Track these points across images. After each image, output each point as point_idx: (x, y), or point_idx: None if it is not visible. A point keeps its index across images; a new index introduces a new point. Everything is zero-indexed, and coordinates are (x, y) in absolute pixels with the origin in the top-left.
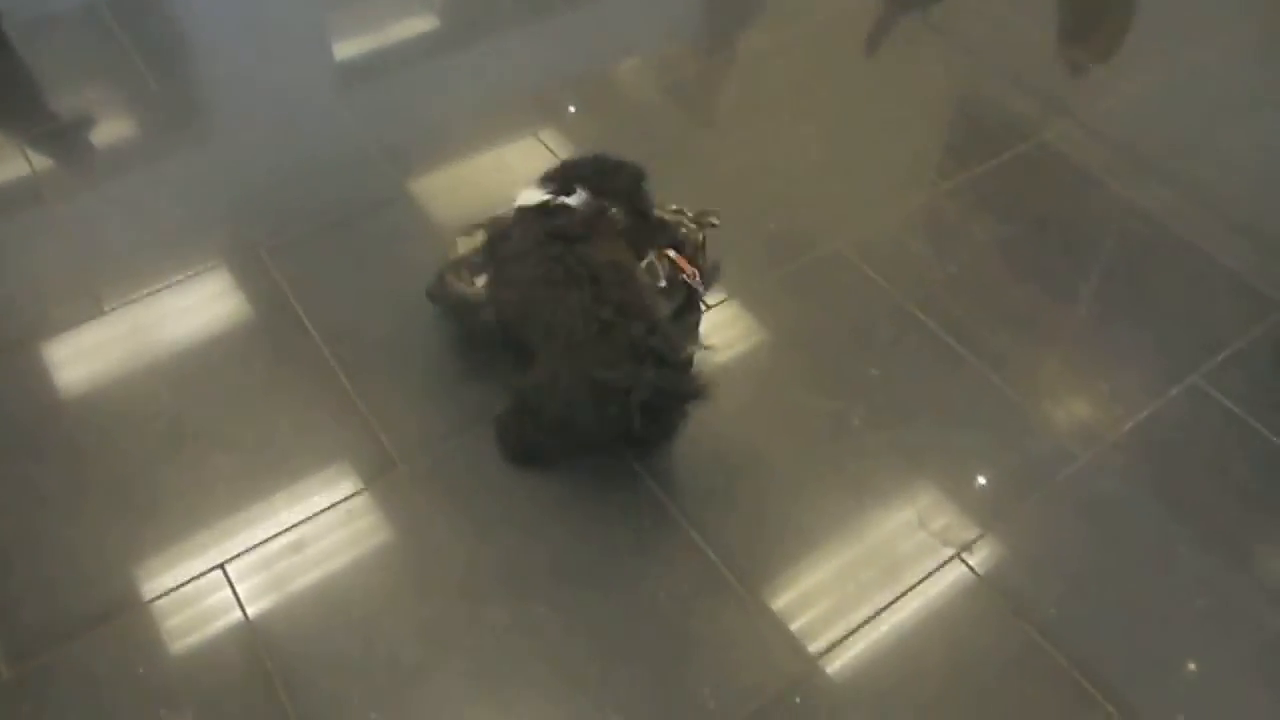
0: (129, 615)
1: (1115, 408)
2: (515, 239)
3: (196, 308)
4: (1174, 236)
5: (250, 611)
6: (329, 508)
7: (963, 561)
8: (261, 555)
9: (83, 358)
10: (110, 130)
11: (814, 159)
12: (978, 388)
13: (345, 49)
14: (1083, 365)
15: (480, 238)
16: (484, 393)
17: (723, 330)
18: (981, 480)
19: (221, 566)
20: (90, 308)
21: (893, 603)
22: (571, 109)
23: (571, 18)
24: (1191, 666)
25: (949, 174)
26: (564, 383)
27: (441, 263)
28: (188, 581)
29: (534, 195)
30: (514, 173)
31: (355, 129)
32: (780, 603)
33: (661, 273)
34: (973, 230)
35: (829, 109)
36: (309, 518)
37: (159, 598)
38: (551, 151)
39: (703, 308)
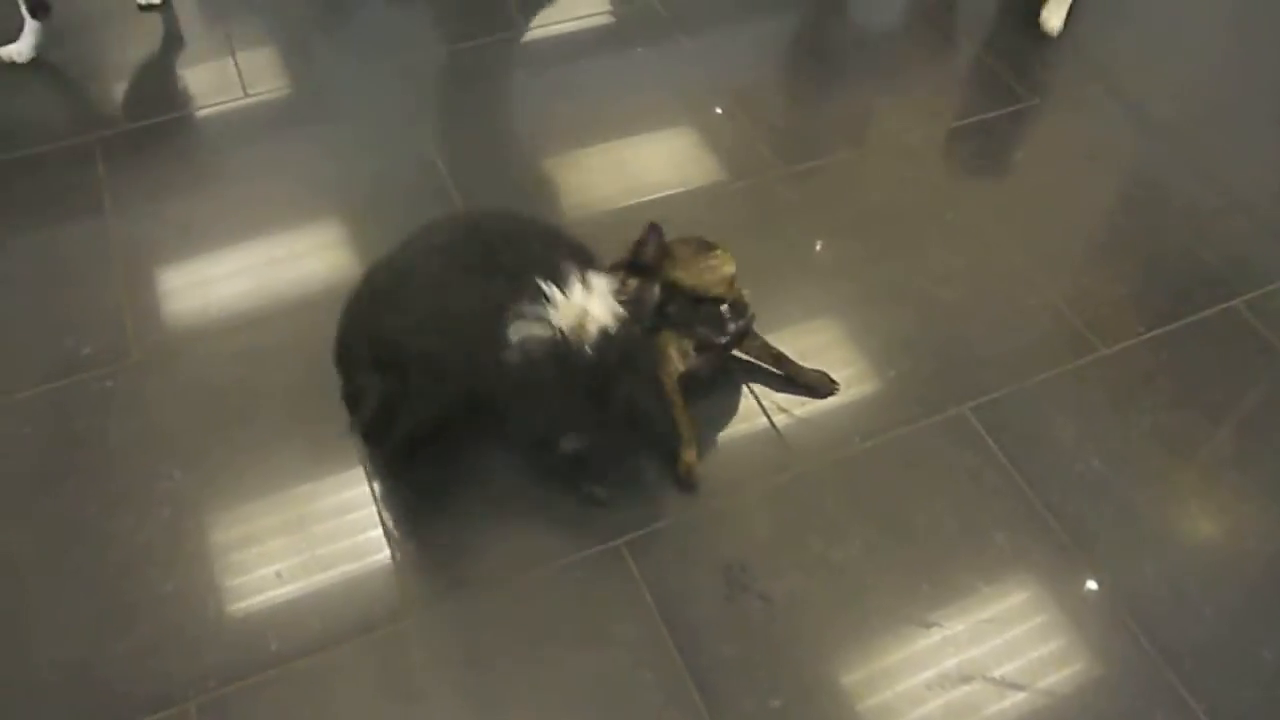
0: None
1: None
2: None
3: None
4: None
5: None
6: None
7: None
8: None
9: None
10: None
11: (954, 294)
12: (1110, 639)
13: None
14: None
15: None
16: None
17: (798, 502)
18: None
19: None
20: None
21: None
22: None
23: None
24: None
25: (1115, 335)
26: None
27: None
28: None
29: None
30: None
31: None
32: None
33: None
34: (1129, 412)
35: (985, 228)
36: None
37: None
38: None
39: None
